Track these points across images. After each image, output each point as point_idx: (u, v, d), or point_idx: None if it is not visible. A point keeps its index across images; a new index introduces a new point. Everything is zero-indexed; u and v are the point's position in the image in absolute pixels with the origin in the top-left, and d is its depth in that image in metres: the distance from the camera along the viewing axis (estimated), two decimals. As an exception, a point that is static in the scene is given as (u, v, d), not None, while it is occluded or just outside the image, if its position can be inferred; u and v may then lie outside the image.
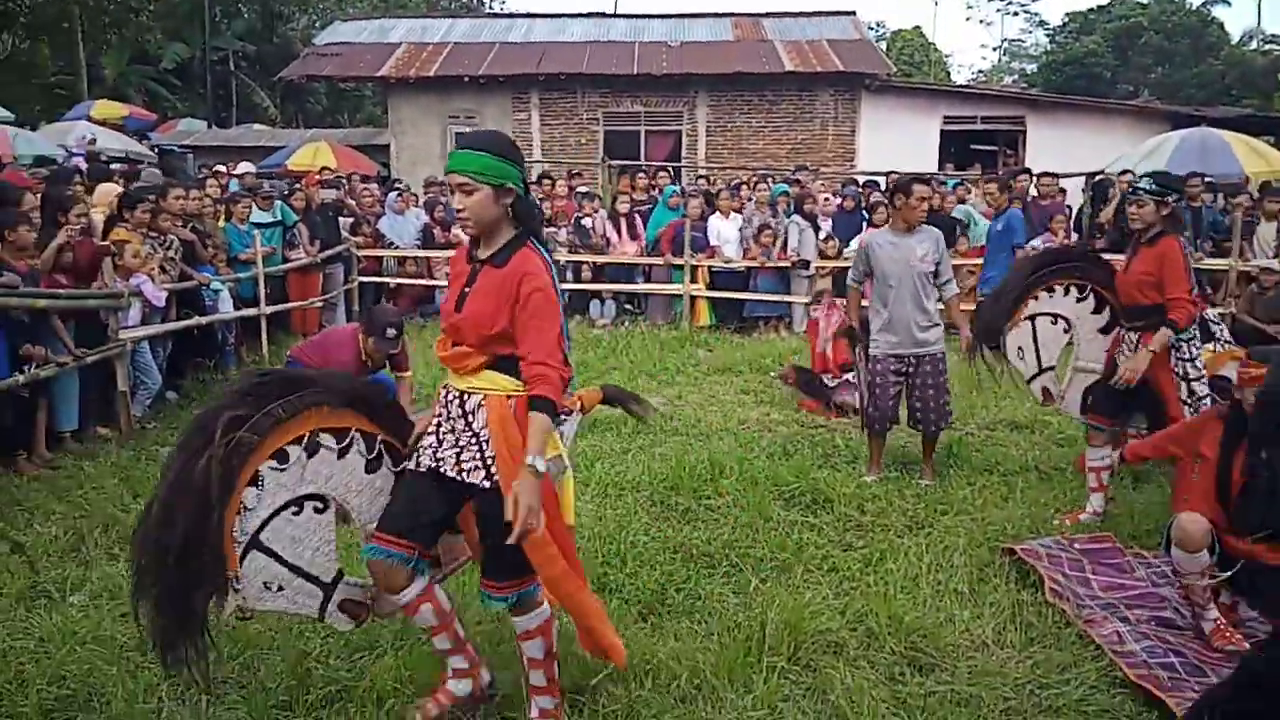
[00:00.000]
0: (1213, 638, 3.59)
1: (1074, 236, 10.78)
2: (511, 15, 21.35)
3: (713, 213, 11.40)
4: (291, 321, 9.92)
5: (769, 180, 12.24)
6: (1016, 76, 47.57)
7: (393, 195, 12.28)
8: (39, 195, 6.85)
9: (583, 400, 3.57)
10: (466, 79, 17.84)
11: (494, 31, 20.58)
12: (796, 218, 10.95)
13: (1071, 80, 35.24)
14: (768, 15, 20.97)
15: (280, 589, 2.83)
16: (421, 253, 11.55)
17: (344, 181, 12.82)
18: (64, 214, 6.38)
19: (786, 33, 19.67)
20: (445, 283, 10.74)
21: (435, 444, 2.84)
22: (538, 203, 2.99)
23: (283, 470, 2.76)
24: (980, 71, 55.25)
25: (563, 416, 3.51)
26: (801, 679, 3.38)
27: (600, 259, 11.47)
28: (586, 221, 11.70)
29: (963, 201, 11.78)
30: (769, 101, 17.99)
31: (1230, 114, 18.67)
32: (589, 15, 21.65)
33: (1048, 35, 46.99)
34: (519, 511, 2.49)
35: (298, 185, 11.13)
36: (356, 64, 18.96)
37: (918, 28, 43.52)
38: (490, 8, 38.08)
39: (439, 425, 2.85)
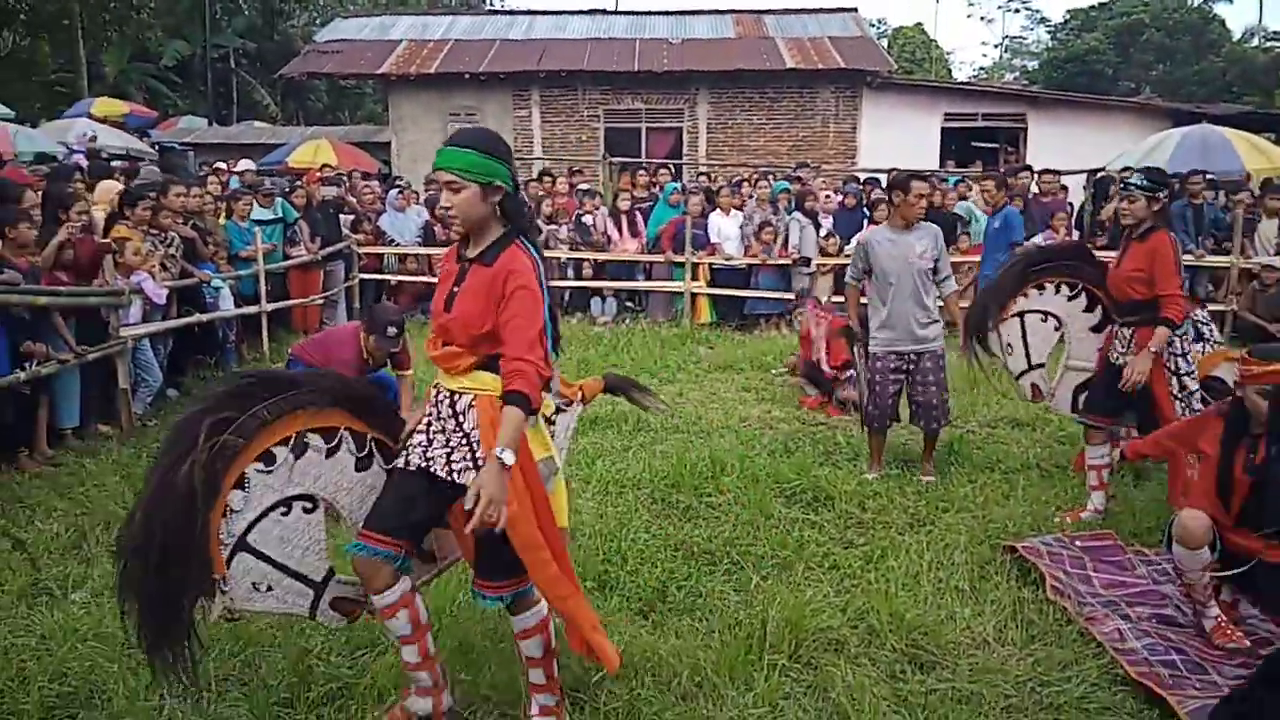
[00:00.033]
0: (1214, 635, 3.59)
1: (1075, 234, 10.77)
2: (512, 12, 21.35)
3: (713, 210, 11.39)
4: (292, 319, 9.93)
5: (770, 177, 12.23)
6: (1018, 73, 47.54)
7: (393, 192, 12.28)
8: (40, 193, 6.85)
9: (584, 390, 3.55)
10: (467, 76, 17.82)
11: (495, 28, 20.57)
12: (798, 215, 10.94)
13: (1073, 77, 35.23)
14: (769, 12, 20.95)
15: (269, 589, 2.82)
16: (422, 250, 11.55)
17: (345, 179, 12.82)
18: (65, 211, 6.38)
19: (788, 30, 19.65)
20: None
21: (425, 443, 2.82)
22: (527, 201, 2.96)
23: (269, 472, 2.75)
24: (981, 69, 55.27)
25: (563, 407, 3.50)
26: (802, 676, 3.38)
27: (601, 256, 11.47)
28: (587, 219, 11.70)
29: (964, 198, 11.78)
30: (770, 99, 17.97)
31: (1231, 111, 18.65)
32: (590, 12, 21.64)
33: (1049, 32, 46.97)
34: (480, 502, 2.45)
35: (298, 182, 11.13)
36: (357, 61, 18.94)
37: (919, 25, 43.46)
38: (491, 5, 38.07)
39: (429, 425, 2.83)
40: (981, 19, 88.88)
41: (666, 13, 21.37)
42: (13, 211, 6.04)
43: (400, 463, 2.87)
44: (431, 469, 2.77)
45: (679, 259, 10.95)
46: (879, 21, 49.10)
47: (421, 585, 3.16)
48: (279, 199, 9.94)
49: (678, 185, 12.26)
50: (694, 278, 10.98)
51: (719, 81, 17.89)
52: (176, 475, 2.52)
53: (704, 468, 5.45)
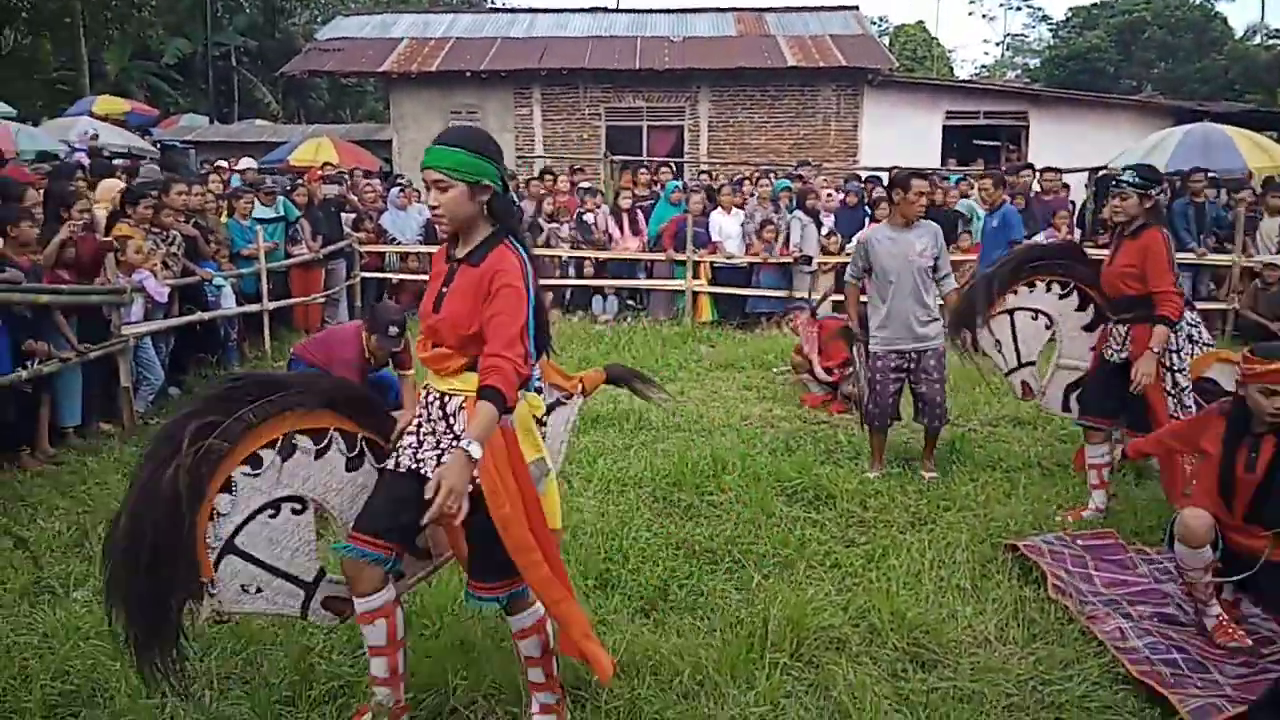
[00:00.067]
0: (1215, 634, 3.59)
1: (1077, 232, 10.77)
2: (514, 10, 21.39)
3: (715, 208, 11.39)
4: (294, 317, 9.94)
5: (771, 176, 12.22)
6: (1019, 71, 47.47)
7: (395, 190, 12.28)
8: (41, 191, 6.85)
9: (584, 382, 3.53)
10: (469, 74, 17.82)
11: (496, 26, 20.57)
12: (799, 213, 10.94)
13: (1074, 75, 35.19)
14: (770, 10, 20.96)
15: (259, 590, 2.82)
16: (424, 248, 11.54)
17: (346, 177, 12.83)
18: (66, 210, 6.39)
19: (789, 28, 19.65)
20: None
21: (416, 445, 2.79)
22: (517, 201, 2.94)
23: (256, 475, 2.74)
24: (983, 67, 55.21)
25: (563, 400, 3.49)
26: (804, 675, 3.37)
27: (602, 255, 11.47)
28: (589, 217, 11.70)
29: (965, 196, 11.77)
30: (771, 97, 17.97)
31: (1233, 109, 18.64)
32: (591, 10, 21.64)
33: (1051, 30, 46.89)
34: (439, 492, 2.41)
35: (300, 181, 11.14)
36: (358, 59, 18.95)
37: (920, 23, 43.39)
38: (493, 3, 38.05)
39: (419, 426, 2.81)
40: (983, 17, 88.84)
41: (668, 11, 21.38)
42: (14, 210, 6.04)
43: (390, 464, 2.84)
44: (422, 471, 2.73)
45: (680, 257, 10.95)
46: (880, 19, 49.13)
47: (417, 582, 3.16)
48: (280, 197, 9.95)
49: (679, 183, 12.25)
50: (695, 276, 10.98)
51: (720, 79, 17.89)
52: (160, 481, 2.51)
53: (705, 466, 5.45)
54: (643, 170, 12.94)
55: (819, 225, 10.94)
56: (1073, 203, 11.90)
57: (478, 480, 2.64)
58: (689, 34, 19.63)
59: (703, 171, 16.05)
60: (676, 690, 3.23)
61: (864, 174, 14.69)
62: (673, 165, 14.05)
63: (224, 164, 12.92)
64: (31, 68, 26.18)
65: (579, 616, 2.76)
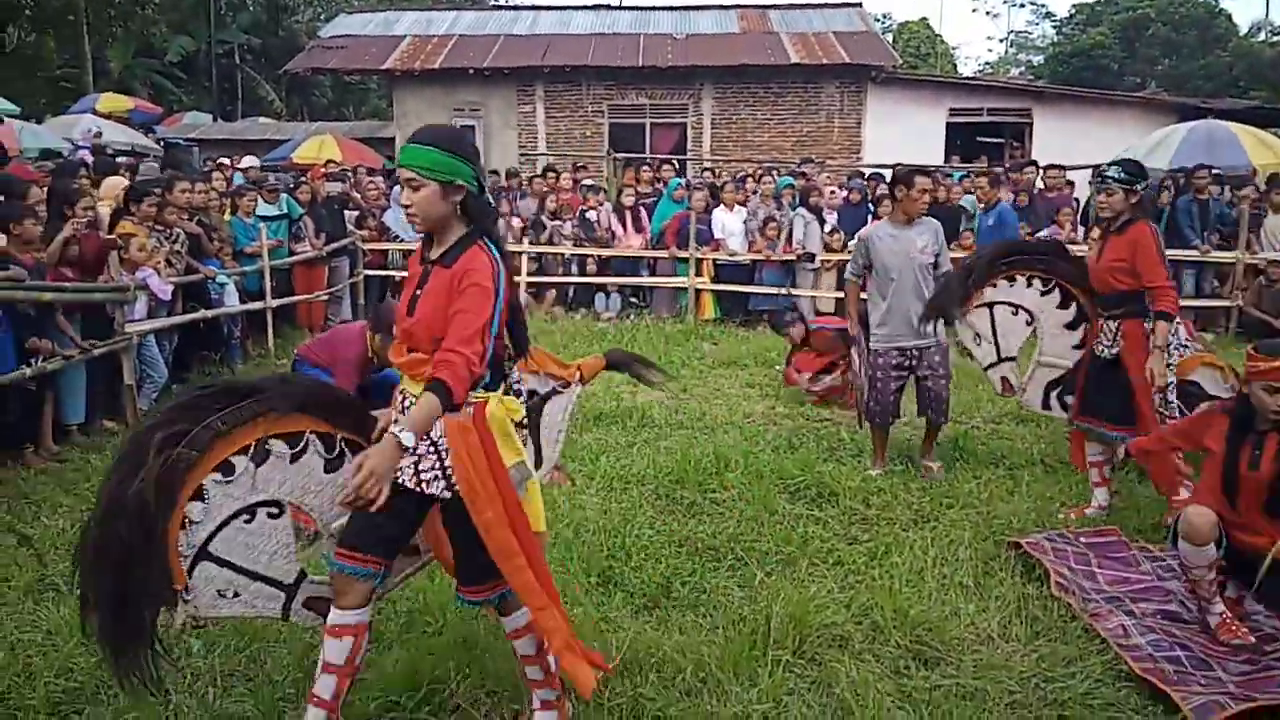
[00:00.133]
0: (1219, 631, 3.58)
1: (1080, 229, 10.75)
2: (516, 7, 21.37)
3: (717, 205, 11.38)
4: (297, 315, 9.95)
5: (774, 173, 12.21)
6: (1023, 68, 47.38)
7: (398, 188, 12.23)
8: (45, 188, 6.85)
9: (583, 369, 3.50)
10: (471, 71, 17.83)
11: (499, 24, 20.58)
12: (802, 210, 10.92)
13: (1078, 72, 35.09)
14: (773, 7, 20.94)
15: (236, 595, 2.81)
16: (427, 246, 11.51)
17: (349, 174, 12.83)
18: (70, 207, 6.40)
19: (792, 25, 19.63)
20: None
21: None
22: (492, 202, 2.90)
23: (229, 482, 2.72)
24: (986, 64, 55.09)
25: (559, 389, 3.48)
26: (806, 672, 3.38)
27: (605, 252, 11.47)
28: (591, 215, 11.70)
29: (969, 193, 11.76)
30: (774, 94, 17.95)
31: (1238, 106, 18.60)
32: (594, 7, 21.64)
33: (1054, 27, 46.75)
34: (359, 474, 2.38)
35: (303, 178, 11.14)
36: (362, 57, 18.96)
37: (924, 19, 43.32)
38: (495, 0, 38.02)
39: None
40: (987, 14, 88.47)
41: (671, 8, 21.38)
42: (18, 207, 6.05)
43: None
44: (399, 479, 2.66)
45: (683, 255, 10.94)
46: (884, 16, 49.13)
47: (405, 579, 3.14)
48: (284, 195, 9.96)
49: (681, 181, 12.25)
50: (698, 274, 10.98)
51: (723, 77, 17.88)
52: (127, 492, 2.50)
53: (708, 464, 5.45)
54: (645, 168, 12.93)
55: (822, 223, 10.92)
56: (1076, 200, 11.88)
57: (455, 487, 2.63)
58: (692, 31, 19.62)
59: (706, 169, 16.04)
60: (679, 687, 3.24)
61: (867, 171, 14.66)
62: (675, 162, 14.04)
63: (226, 161, 12.91)
64: (35, 65, 26.21)
65: (560, 626, 2.71)
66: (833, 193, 11.64)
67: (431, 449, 2.68)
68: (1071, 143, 15.37)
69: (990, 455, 5.91)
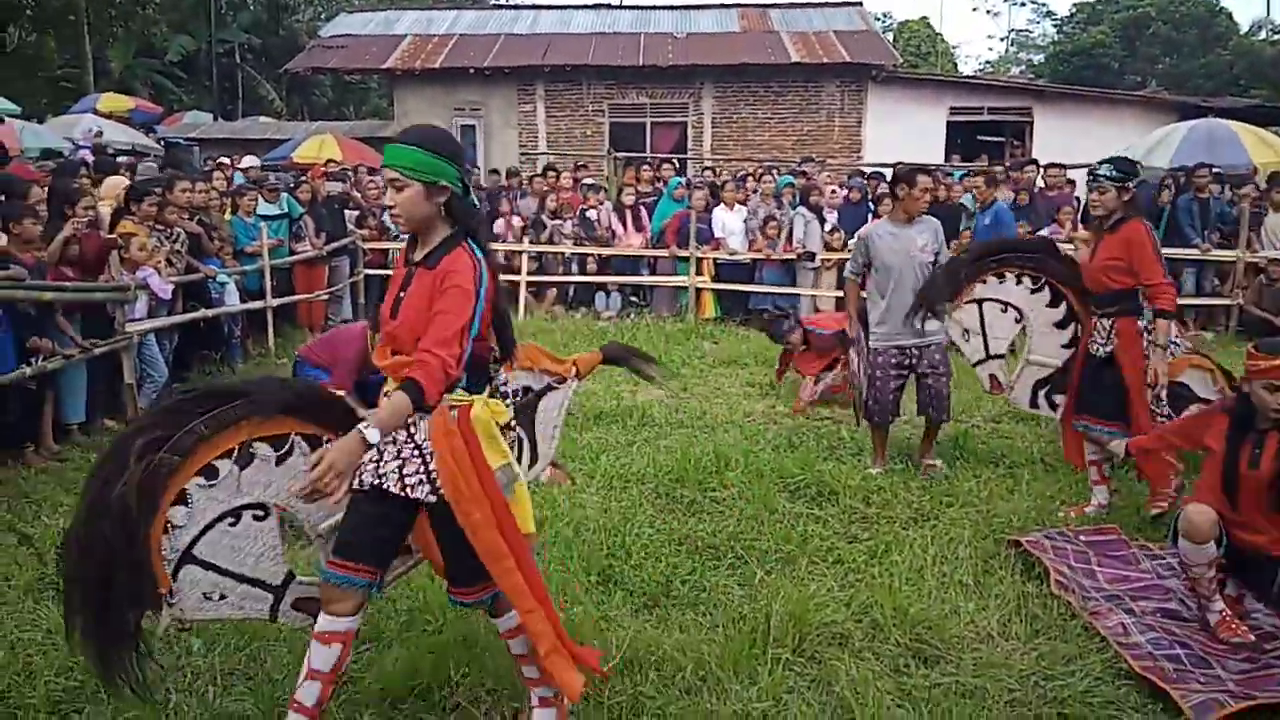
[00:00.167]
0: (1218, 629, 3.59)
1: (1081, 228, 10.74)
2: (517, 7, 21.37)
3: (718, 205, 11.38)
4: (298, 314, 9.96)
5: (774, 172, 12.21)
6: (1024, 67, 47.34)
7: (393, 188, 12.24)
8: (45, 188, 6.86)
9: (578, 365, 3.48)
10: (472, 71, 17.84)
11: (499, 23, 20.58)
12: (802, 209, 10.92)
13: (1079, 71, 35.06)
14: (774, 6, 20.94)
15: (223, 597, 2.81)
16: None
17: (350, 174, 12.82)
18: (71, 207, 6.40)
19: (793, 24, 19.64)
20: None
21: (377, 458, 2.69)
22: (478, 205, 2.88)
23: (212, 486, 2.72)
24: (987, 62, 55.00)
25: (554, 385, 3.47)
26: (806, 670, 3.38)
27: (605, 251, 11.48)
28: (592, 214, 11.70)
29: (969, 191, 11.75)
30: (775, 93, 17.96)
31: (1238, 104, 18.59)
32: (594, 7, 21.64)
33: (1055, 26, 46.69)
34: (318, 466, 2.36)
35: (303, 178, 11.15)
36: (362, 56, 18.97)
37: (924, 18, 43.30)
38: (495, 0, 38.03)
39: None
40: (987, 13, 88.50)
41: (671, 7, 21.39)
42: (18, 207, 6.05)
43: (355, 483, 2.71)
44: (385, 485, 2.66)
45: (683, 254, 10.95)
46: (884, 15, 49.11)
47: (397, 577, 3.14)
48: (284, 194, 9.96)
49: (682, 180, 12.25)
50: (698, 273, 10.98)
51: (724, 76, 17.89)
52: (108, 498, 2.50)
53: (708, 462, 5.45)
54: (646, 167, 12.93)
55: (822, 221, 10.92)
56: (1077, 199, 11.85)
57: (441, 490, 2.61)
58: (692, 30, 19.63)
59: (706, 168, 16.04)
60: (679, 686, 3.24)
61: (868, 170, 14.67)
62: (676, 162, 14.04)
63: (226, 161, 12.90)
64: (36, 65, 26.22)
65: (547, 629, 2.70)
66: (833, 192, 11.63)
67: (416, 453, 2.66)
68: (1072, 141, 15.36)
69: (990, 454, 5.91)
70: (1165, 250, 9.69)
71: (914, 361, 5.55)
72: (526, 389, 3.42)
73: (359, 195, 11.96)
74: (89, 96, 21.43)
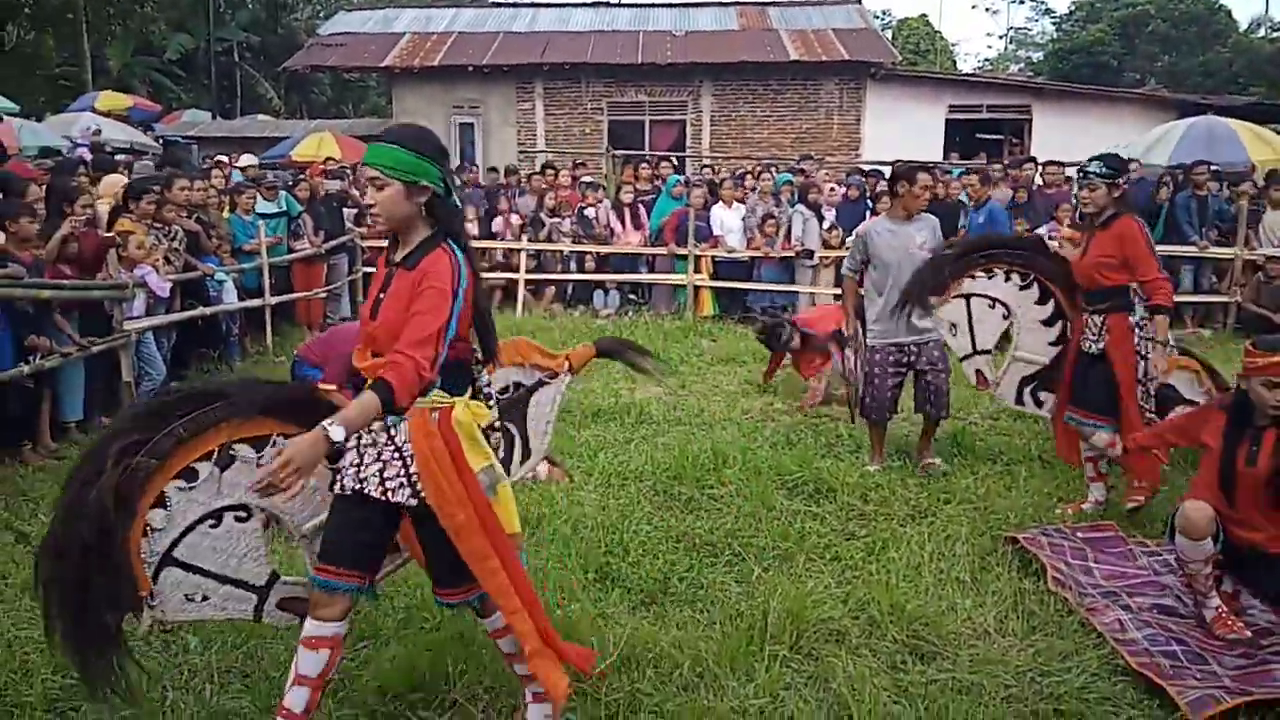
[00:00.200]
0: (1215, 626, 3.59)
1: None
2: (516, 4, 21.30)
3: (716, 202, 11.38)
4: (296, 312, 9.94)
5: (773, 170, 12.20)
6: (1023, 65, 47.33)
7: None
8: (44, 186, 6.86)
9: (571, 359, 3.45)
10: (471, 69, 17.82)
11: (498, 21, 20.55)
12: (800, 207, 10.92)
13: (1078, 68, 35.06)
14: (773, 4, 20.91)
15: (205, 598, 2.81)
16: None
17: (348, 172, 12.80)
18: (69, 205, 6.40)
19: (792, 21, 19.61)
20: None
21: (357, 462, 2.67)
22: (460, 206, 2.82)
23: (192, 488, 2.71)
24: (986, 60, 55.00)
25: (546, 380, 3.46)
26: (803, 667, 3.38)
27: (604, 249, 11.48)
28: (590, 212, 11.69)
29: (966, 189, 11.75)
30: (774, 91, 17.95)
31: (1236, 102, 18.59)
32: (593, 4, 21.60)
33: (1054, 23, 46.69)
34: (276, 460, 2.33)
35: (302, 176, 11.14)
36: (361, 54, 18.95)
37: (923, 16, 43.38)
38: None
39: (360, 440, 2.68)
40: (986, 10, 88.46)
41: (670, 5, 21.33)
42: (16, 205, 6.05)
43: (337, 488, 2.72)
44: (365, 490, 2.64)
45: (682, 252, 10.95)
46: (883, 13, 49.03)
47: (388, 574, 3.14)
48: (283, 192, 9.96)
49: (680, 178, 12.25)
50: (696, 270, 10.98)
51: (722, 74, 17.88)
52: (85, 502, 2.50)
53: (706, 460, 5.45)
54: (644, 165, 12.93)
55: (820, 219, 10.93)
56: (1075, 197, 11.86)
57: (422, 493, 2.60)
58: (691, 28, 19.61)
59: (705, 166, 16.04)
60: (676, 683, 3.24)
61: (866, 168, 14.67)
62: (674, 159, 14.03)
63: (224, 159, 12.90)
64: (34, 63, 26.20)
65: (533, 630, 2.69)
66: (831, 189, 11.63)
67: (396, 456, 2.64)
68: (1071, 139, 15.35)
69: (988, 451, 5.91)
70: (1164, 248, 9.75)
71: (912, 359, 5.55)
72: (517, 384, 3.40)
73: (357, 193, 11.92)
74: (87, 95, 21.41)
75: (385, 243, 2.69)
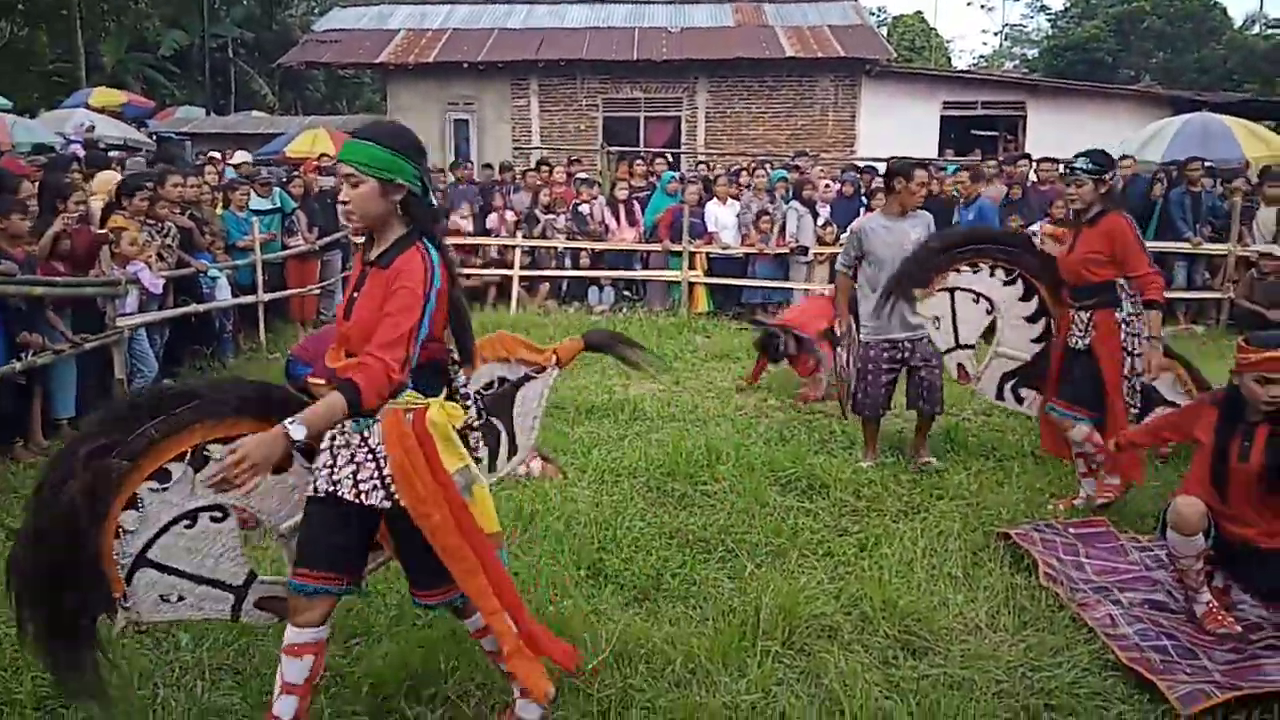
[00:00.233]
0: (1205, 621, 3.60)
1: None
2: (511, 0, 21.24)
3: (711, 199, 11.38)
4: (290, 309, 9.93)
5: (768, 166, 12.20)
6: (1018, 61, 47.33)
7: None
8: (37, 183, 6.84)
9: (559, 353, 3.42)
10: (466, 65, 17.79)
11: (493, 17, 20.49)
12: (795, 204, 10.93)
13: (1073, 65, 35.05)
14: (768, 1, 20.88)
15: (181, 599, 2.80)
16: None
17: (342, 168, 12.77)
18: (62, 201, 6.38)
19: (787, 18, 19.59)
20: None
21: (330, 464, 2.65)
22: (436, 206, 2.82)
23: (165, 489, 2.70)
24: (981, 57, 54.97)
25: (532, 375, 3.44)
26: (795, 663, 3.39)
27: (599, 246, 11.46)
28: (585, 208, 11.68)
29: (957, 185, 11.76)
30: (769, 87, 17.94)
31: (1231, 99, 18.62)
32: (589, 1, 21.55)
33: (1049, 20, 46.69)
34: (230, 456, 2.28)
35: (296, 172, 11.13)
36: (355, 50, 18.91)
37: (919, 13, 43.25)
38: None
39: (333, 441, 2.65)
40: (981, 7, 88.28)
41: (665, 1, 21.29)
42: (8, 201, 6.03)
43: (310, 490, 2.70)
44: (339, 492, 2.61)
45: (676, 248, 10.95)
46: (878, 10, 48.89)
47: (371, 572, 3.14)
48: (277, 189, 9.94)
49: (675, 174, 12.24)
50: (691, 267, 10.98)
51: (718, 70, 17.86)
52: (55, 505, 2.49)
53: (700, 456, 5.46)
54: (639, 161, 12.92)
55: (815, 216, 10.93)
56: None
57: (396, 495, 2.57)
58: (687, 24, 19.58)
59: (700, 162, 16.03)
60: (668, 679, 3.24)
61: (861, 164, 14.67)
62: (669, 156, 14.02)
63: (217, 156, 12.87)
64: (28, 60, 26.14)
65: (511, 631, 2.67)
66: (826, 186, 11.63)
67: (370, 457, 2.61)
68: (1065, 136, 15.37)
69: (980, 447, 5.92)
70: (1158, 244, 9.77)
71: (906, 355, 5.55)
72: (502, 379, 3.38)
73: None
74: (81, 91, 21.37)
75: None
